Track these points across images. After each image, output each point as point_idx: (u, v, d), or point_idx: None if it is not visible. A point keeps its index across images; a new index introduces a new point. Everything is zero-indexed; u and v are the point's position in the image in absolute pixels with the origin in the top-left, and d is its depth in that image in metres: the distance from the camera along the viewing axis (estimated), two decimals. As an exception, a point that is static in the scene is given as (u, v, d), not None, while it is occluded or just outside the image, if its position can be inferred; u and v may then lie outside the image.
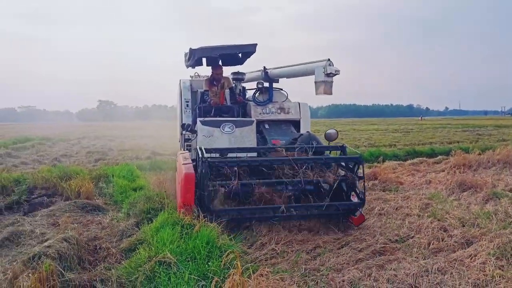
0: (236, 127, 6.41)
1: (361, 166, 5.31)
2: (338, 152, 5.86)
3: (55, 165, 11.47)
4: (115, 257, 4.30)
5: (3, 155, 14.36)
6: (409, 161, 11.49)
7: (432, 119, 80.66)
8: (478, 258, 4.08)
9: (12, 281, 3.19)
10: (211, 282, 2.71)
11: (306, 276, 3.70)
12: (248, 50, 7.23)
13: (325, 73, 5.86)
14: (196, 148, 5.77)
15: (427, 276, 3.70)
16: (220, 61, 7.56)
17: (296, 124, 7.30)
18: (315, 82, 6.08)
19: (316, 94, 6.07)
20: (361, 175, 5.30)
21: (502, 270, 3.79)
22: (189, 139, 6.91)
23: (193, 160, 5.29)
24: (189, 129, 6.65)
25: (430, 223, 5.37)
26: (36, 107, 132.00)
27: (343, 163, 5.50)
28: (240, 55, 7.56)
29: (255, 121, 6.70)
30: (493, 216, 5.75)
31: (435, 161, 11.34)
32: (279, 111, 7.22)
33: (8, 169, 10.67)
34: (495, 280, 3.54)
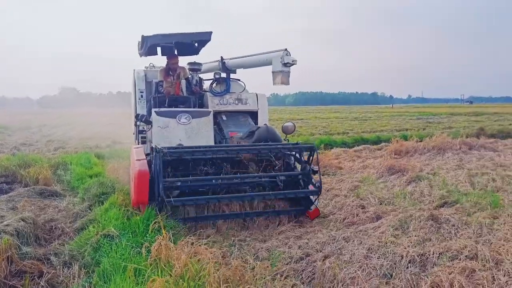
0: (192, 118, 6.20)
1: (315, 157, 5.43)
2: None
3: (15, 153, 11.70)
4: (68, 236, 4.87)
5: (-40, 144, 14.35)
6: (354, 148, 12.40)
7: (402, 106, 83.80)
8: (380, 229, 4.89)
9: (-27, 253, 3.70)
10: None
11: (233, 245, 4.39)
12: (203, 38, 7.01)
13: (282, 63, 5.90)
14: (151, 141, 5.82)
15: (333, 243, 4.45)
16: (175, 50, 7.39)
17: (254, 115, 7.21)
18: (273, 72, 6.12)
19: (274, 84, 6.10)
20: (316, 168, 5.44)
21: (395, 238, 4.59)
22: (144, 130, 6.81)
23: (147, 155, 5.18)
24: (143, 119, 6.44)
25: (352, 201, 6.18)
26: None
27: (298, 155, 5.69)
28: (196, 44, 7.36)
29: (212, 112, 6.52)
30: (408, 195, 6.63)
31: (377, 148, 12.32)
32: (236, 102, 7.11)
33: (-35, 158, 10.84)
34: (387, 245, 4.32)
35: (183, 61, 7.76)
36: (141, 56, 7.64)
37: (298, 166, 5.82)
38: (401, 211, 5.61)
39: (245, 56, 7.13)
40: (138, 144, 6.93)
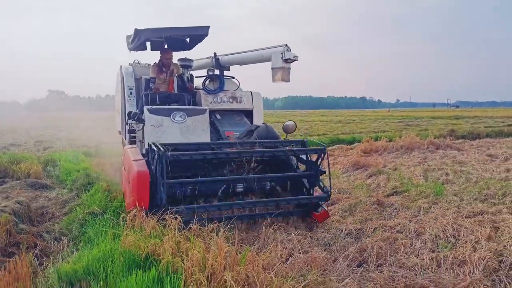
0: (187, 116, 5.88)
1: (325, 159, 5.18)
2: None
3: (5, 153, 12.26)
4: (59, 218, 5.53)
5: (-49, 145, 14.83)
6: (328, 148, 13.16)
7: (399, 110, 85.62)
8: (331, 212, 5.63)
9: (-24, 228, 4.37)
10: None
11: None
12: (200, 33, 6.63)
13: (283, 58, 5.65)
14: (143, 141, 5.60)
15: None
16: (166, 45, 7.03)
17: (248, 114, 6.93)
18: (272, 69, 5.84)
19: (273, 81, 5.87)
20: (324, 168, 5.22)
21: (342, 218, 5.36)
22: (134, 130, 6.32)
23: (143, 155, 4.79)
24: (135, 117, 5.85)
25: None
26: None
27: (303, 156, 5.38)
28: (188, 40, 7.07)
29: (208, 110, 6.22)
30: (366, 186, 7.41)
31: (350, 148, 13.12)
32: (231, 100, 6.79)
33: (-42, 157, 11.37)
34: (332, 223, 5.07)
35: (173, 57, 7.23)
36: (130, 51, 7.34)
37: (301, 167, 5.59)
38: (354, 198, 6.37)
39: (241, 52, 6.81)
40: (128, 144, 6.49)
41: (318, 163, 5.19)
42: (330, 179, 5.08)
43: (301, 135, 18.68)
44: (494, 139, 16.30)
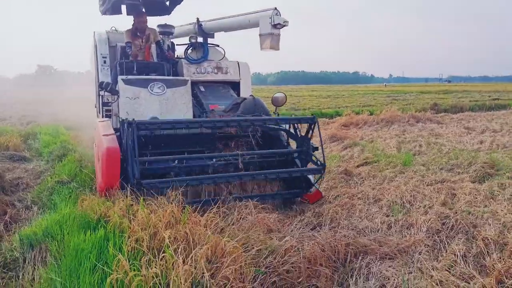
0: (167, 88, 5.33)
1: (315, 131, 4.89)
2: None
3: (-13, 126, 12.28)
4: (32, 188, 5.65)
5: None
6: (310, 121, 13.30)
7: (394, 85, 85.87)
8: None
9: None
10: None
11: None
12: None
13: (272, 24, 5.26)
14: (118, 114, 5.25)
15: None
16: (143, 9, 6.54)
17: (235, 86, 6.45)
18: (260, 35, 5.46)
19: (262, 49, 5.51)
20: (316, 145, 4.98)
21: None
22: (108, 102, 5.85)
23: (115, 130, 4.42)
24: (108, 88, 5.31)
25: (287, 162, 7.08)
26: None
27: (293, 130, 5.12)
28: (167, 2, 6.59)
29: (189, 81, 5.67)
30: (339, 157, 7.59)
31: (332, 121, 13.27)
32: (216, 70, 6.30)
33: None
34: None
35: (152, 23, 6.65)
36: (102, 14, 6.81)
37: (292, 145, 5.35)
38: (327, 167, 6.53)
39: (226, 17, 6.36)
40: (102, 118, 5.93)
41: (309, 136, 4.90)
42: (323, 150, 4.81)
43: (286, 109, 18.82)
44: (476, 113, 16.56)
